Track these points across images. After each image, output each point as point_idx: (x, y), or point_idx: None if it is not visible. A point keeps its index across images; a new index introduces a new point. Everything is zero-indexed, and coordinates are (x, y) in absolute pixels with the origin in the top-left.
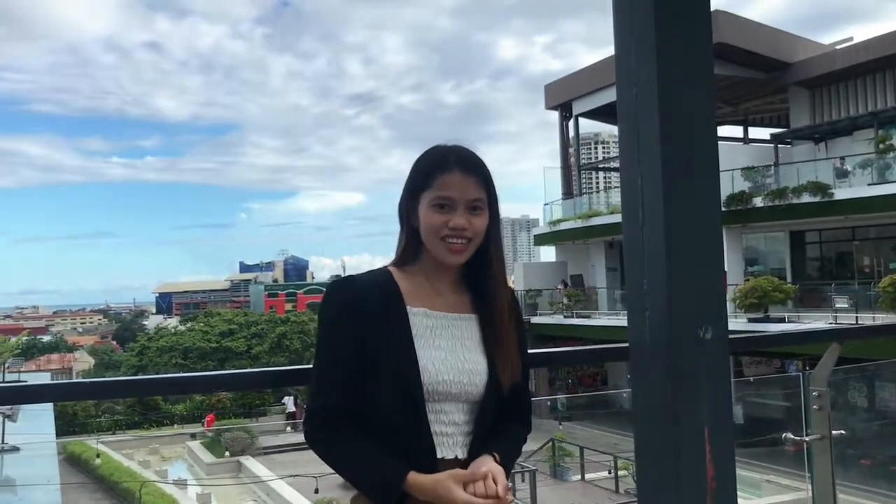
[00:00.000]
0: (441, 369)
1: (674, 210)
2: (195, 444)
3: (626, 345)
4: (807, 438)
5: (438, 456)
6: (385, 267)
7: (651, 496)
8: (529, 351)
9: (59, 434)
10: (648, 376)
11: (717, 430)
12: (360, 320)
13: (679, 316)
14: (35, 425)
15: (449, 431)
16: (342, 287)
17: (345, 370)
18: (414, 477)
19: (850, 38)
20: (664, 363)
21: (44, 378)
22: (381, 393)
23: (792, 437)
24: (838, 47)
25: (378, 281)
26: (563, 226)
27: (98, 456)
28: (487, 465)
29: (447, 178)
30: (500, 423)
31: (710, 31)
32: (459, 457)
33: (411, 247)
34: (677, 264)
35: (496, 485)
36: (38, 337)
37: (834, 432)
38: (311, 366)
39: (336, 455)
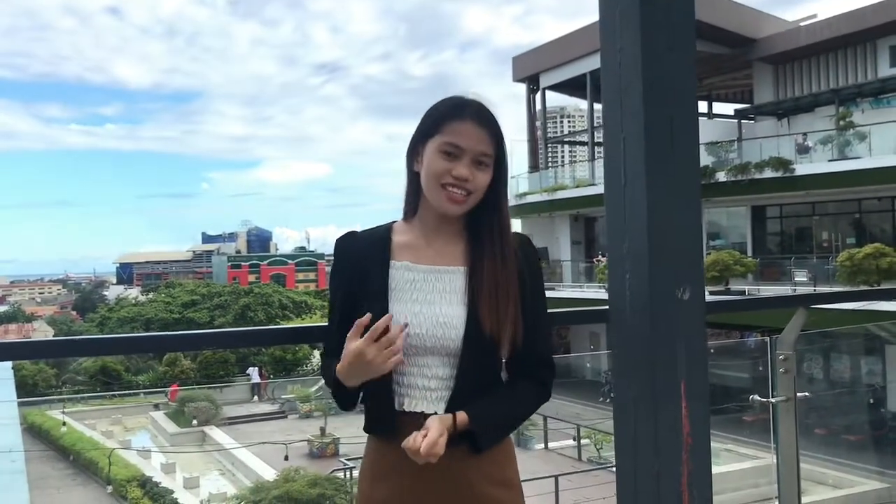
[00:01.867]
0: (414, 322)
1: (655, 175)
2: (159, 415)
3: (605, 308)
4: (773, 400)
5: (410, 409)
6: (392, 222)
7: (628, 452)
8: None
9: (19, 405)
10: (628, 335)
11: (692, 385)
12: (348, 275)
13: (658, 277)
14: None
15: (432, 385)
16: (339, 242)
17: (340, 314)
18: (338, 367)
19: (815, 15)
20: (644, 322)
21: None
22: None
23: (759, 398)
24: (802, 24)
25: (374, 235)
26: (529, 199)
27: (64, 425)
28: (433, 421)
29: (460, 125)
30: (500, 382)
31: (692, 2)
32: (438, 411)
33: (412, 196)
34: (657, 227)
35: (424, 440)
36: None
37: (798, 394)
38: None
39: (322, 373)
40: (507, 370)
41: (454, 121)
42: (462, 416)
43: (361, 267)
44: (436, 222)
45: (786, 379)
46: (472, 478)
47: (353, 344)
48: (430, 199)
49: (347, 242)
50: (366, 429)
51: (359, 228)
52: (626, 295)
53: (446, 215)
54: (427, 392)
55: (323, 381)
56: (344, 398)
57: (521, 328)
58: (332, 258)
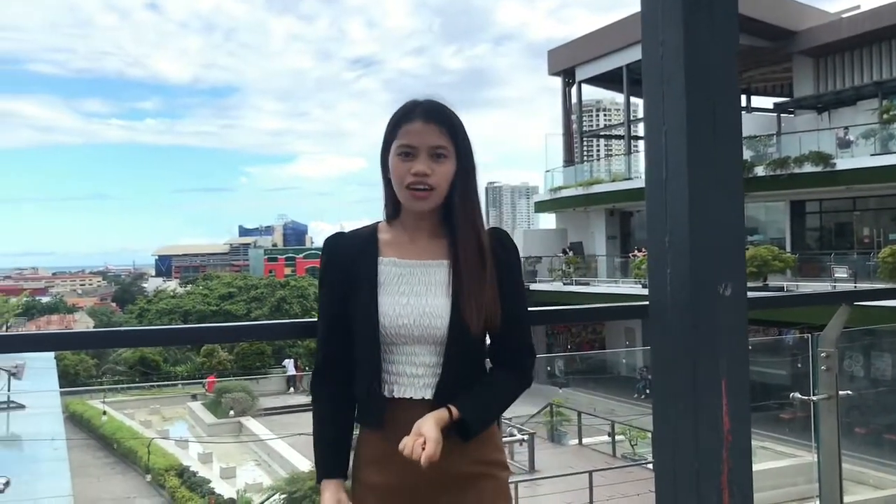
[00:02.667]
0: (401, 314)
1: (697, 168)
2: (196, 405)
3: (644, 303)
4: (814, 398)
5: (400, 395)
6: (377, 222)
7: (668, 448)
8: (547, 308)
9: (61, 394)
10: (669, 331)
11: (733, 383)
12: (338, 274)
13: (700, 273)
14: (40, 384)
15: (419, 373)
16: (327, 243)
17: (327, 323)
18: (325, 484)
19: (857, 7)
20: (684, 319)
21: None
22: (355, 339)
23: (800, 396)
24: (844, 16)
25: (361, 235)
26: (564, 193)
27: (104, 414)
28: (428, 425)
29: (410, 126)
30: (484, 371)
31: None
32: (426, 397)
33: (390, 201)
34: (699, 222)
35: (423, 448)
36: (38, 298)
37: (841, 393)
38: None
39: (314, 398)
40: (490, 357)
41: (405, 123)
42: (454, 410)
43: (351, 263)
44: (415, 221)
45: (827, 377)
46: (461, 461)
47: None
48: (401, 199)
49: (337, 241)
50: (357, 418)
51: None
52: (666, 290)
53: (419, 213)
54: (415, 379)
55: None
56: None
57: (498, 316)
58: (322, 258)
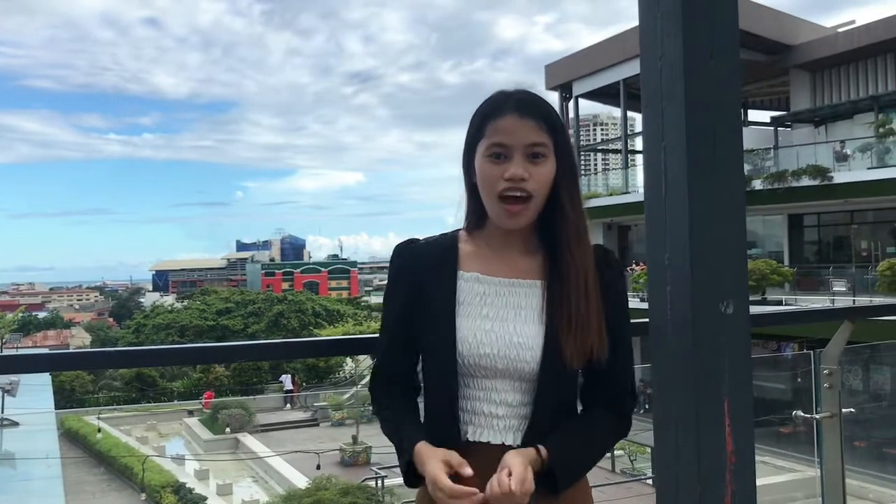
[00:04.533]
0: (484, 341)
1: (697, 185)
2: (193, 421)
3: (645, 320)
4: (817, 416)
5: (475, 439)
6: (458, 230)
7: (669, 470)
8: None
9: (56, 410)
10: (669, 350)
11: (736, 403)
12: (410, 286)
13: (701, 291)
14: (34, 401)
15: (500, 413)
16: (399, 251)
17: (390, 334)
18: (420, 448)
19: (853, 21)
20: (685, 337)
21: None
22: (426, 364)
23: (802, 414)
24: (840, 30)
25: (439, 244)
26: None
27: (99, 431)
28: (513, 457)
29: (501, 122)
30: (577, 411)
31: (736, 7)
32: (508, 442)
33: (473, 207)
34: (700, 239)
35: (509, 479)
36: (34, 313)
37: (844, 410)
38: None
39: (378, 414)
40: (582, 397)
41: (494, 119)
42: (543, 451)
43: (424, 277)
44: (504, 233)
45: (830, 394)
46: None
47: (436, 471)
48: (490, 212)
49: (408, 250)
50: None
51: (392, 236)
52: (666, 309)
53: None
54: (494, 420)
55: (356, 390)
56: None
57: (604, 351)
58: (391, 267)
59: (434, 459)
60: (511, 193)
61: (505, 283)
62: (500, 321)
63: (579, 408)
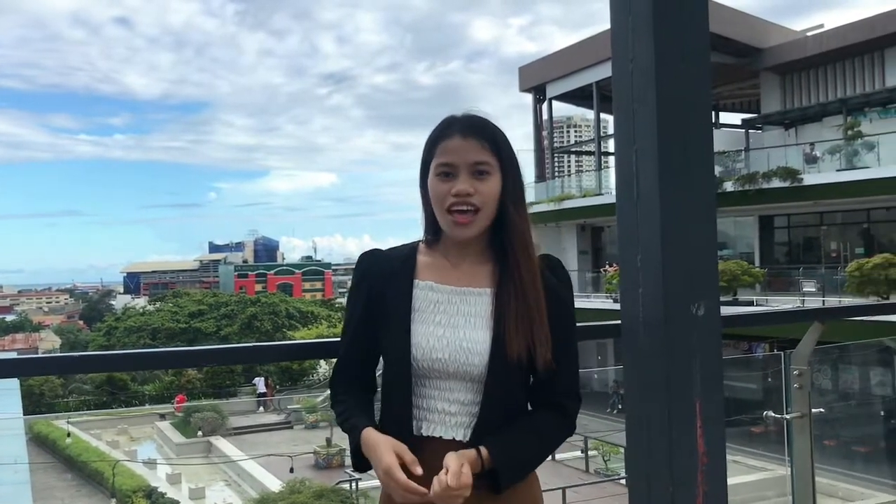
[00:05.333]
0: (436, 346)
1: (669, 187)
2: (164, 425)
3: (617, 322)
4: (787, 416)
5: (428, 434)
6: (418, 241)
7: (642, 471)
8: None
9: (25, 414)
10: (642, 352)
11: (708, 404)
12: (369, 293)
13: (673, 292)
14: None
15: (453, 410)
16: (361, 259)
17: (351, 337)
18: (368, 432)
19: (822, 25)
20: (658, 339)
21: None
22: (384, 364)
23: (773, 415)
24: (809, 34)
25: (399, 254)
26: (536, 208)
27: (69, 435)
28: (451, 457)
29: (448, 143)
30: (525, 412)
31: (706, 10)
32: (458, 438)
33: (430, 222)
34: (671, 241)
35: (446, 476)
36: (2, 316)
37: (814, 410)
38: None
39: (333, 407)
40: (530, 399)
41: (442, 140)
42: (484, 451)
43: (384, 285)
44: (458, 245)
45: (800, 395)
46: None
47: (386, 458)
48: (442, 225)
49: (371, 259)
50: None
51: (366, 238)
52: (639, 310)
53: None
54: (447, 417)
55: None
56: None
57: (549, 354)
58: (354, 275)
59: (385, 447)
60: (458, 208)
61: (456, 292)
62: (451, 327)
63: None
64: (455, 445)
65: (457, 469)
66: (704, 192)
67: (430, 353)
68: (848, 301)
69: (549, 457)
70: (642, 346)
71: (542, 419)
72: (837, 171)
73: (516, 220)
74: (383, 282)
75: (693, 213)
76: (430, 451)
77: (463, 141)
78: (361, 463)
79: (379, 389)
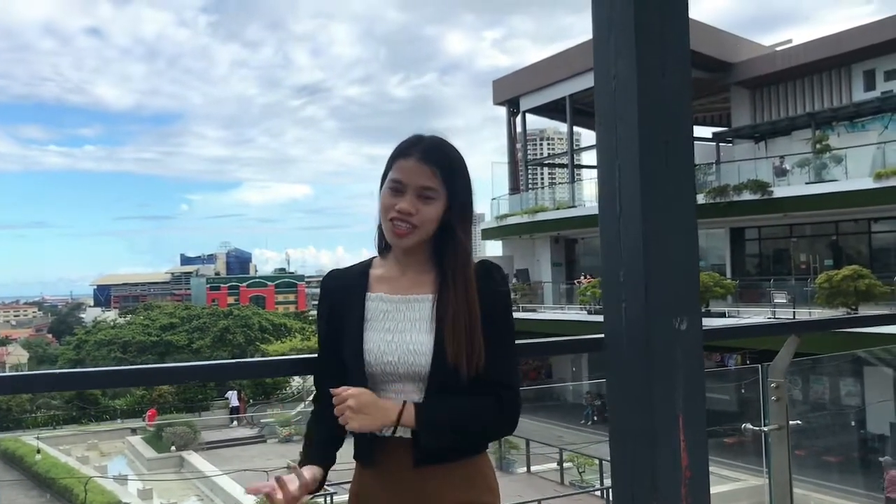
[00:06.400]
0: (386, 351)
1: (651, 202)
2: (136, 439)
3: (600, 336)
4: (765, 429)
5: (387, 434)
6: (373, 257)
7: (626, 485)
8: None
9: None
10: (624, 366)
11: (690, 418)
12: (330, 308)
13: (656, 307)
14: None
15: None
16: (323, 280)
17: (320, 353)
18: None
19: (790, 41)
20: (640, 353)
21: None
22: (347, 375)
23: (751, 427)
24: (778, 49)
25: (354, 271)
26: (510, 220)
27: (38, 452)
28: (363, 392)
29: (405, 162)
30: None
31: (687, 26)
32: (407, 436)
33: (383, 233)
34: (654, 256)
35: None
36: None
37: (791, 422)
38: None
39: (302, 448)
40: (468, 391)
41: (400, 158)
42: (409, 406)
43: (341, 299)
44: (404, 254)
45: (777, 407)
46: (448, 499)
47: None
48: (384, 232)
49: (330, 277)
50: (354, 455)
51: (340, 250)
52: (622, 325)
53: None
54: None
55: (303, 407)
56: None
57: (482, 354)
58: (319, 295)
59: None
60: (397, 224)
61: (403, 300)
62: (399, 332)
63: None
64: (405, 442)
65: (358, 401)
66: (685, 207)
67: (381, 356)
68: (818, 312)
69: (525, 468)
70: (625, 360)
71: (473, 399)
72: (806, 183)
73: (459, 234)
74: (340, 297)
75: (675, 227)
76: (389, 448)
77: (417, 164)
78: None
79: None
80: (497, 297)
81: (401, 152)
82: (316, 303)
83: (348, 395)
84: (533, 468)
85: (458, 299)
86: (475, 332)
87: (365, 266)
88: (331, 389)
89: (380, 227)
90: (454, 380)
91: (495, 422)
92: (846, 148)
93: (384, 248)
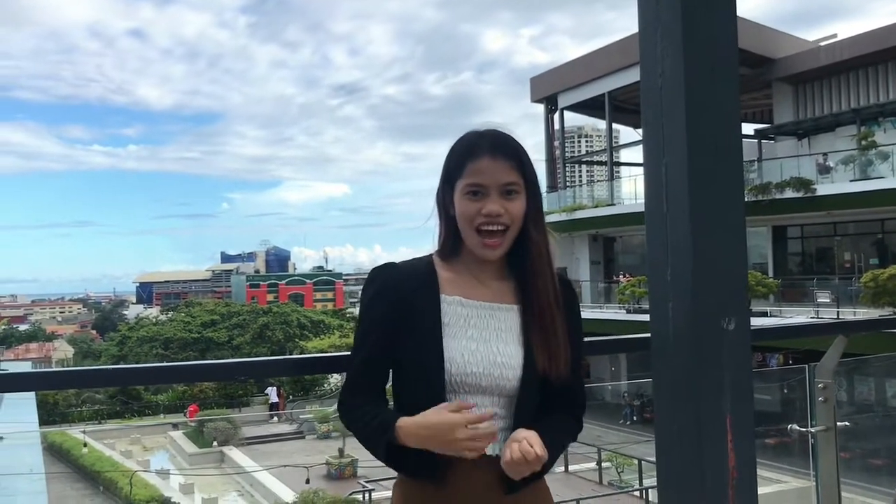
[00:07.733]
0: (470, 361)
1: (699, 200)
2: (177, 434)
3: (645, 335)
4: (812, 430)
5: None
6: (430, 255)
7: (673, 486)
8: None
9: (40, 424)
10: (671, 366)
11: (738, 419)
12: (392, 307)
13: (703, 307)
14: (17, 414)
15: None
16: (380, 272)
17: (366, 353)
18: (403, 420)
19: (835, 35)
20: (687, 353)
21: (25, 367)
22: (408, 383)
23: (798, 428)
24: (822, 44)
25: (418, 268)
26: (548, 219)
27: (85, 445)
28: (527, 430)
29: (477, 164)
30: (544, 416)
31: (735, 23)
32: (489, 453)
33: (450, 237)
34: (702, 255)
35: (532, 447)
36: (16, 326)
37: (839, 424)
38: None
39: (351, 424)
40: (543, 405)
41: (470, 160)
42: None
43: (407, 298)
44: (479, 261)
45: (825, 408)
46: None
47: (447, 416)
48: (469, 244)
49: (390, 272)
50: (409, 472)
51: (377, 248)
52: (669, 325)
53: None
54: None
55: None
56: (397, 457)
57: (565, 369)
58: (364, 290)
59: (433, 414)
60: (487, 227)
61: (486, 307)
62: (484, 342)
63: None
64: (488, 461)
65: (541, 442)
66: (734, 206)
67: (465, 367)
68: (863, 312)
69: (563, 467)
70: (673, 361)
71: (564, 420)
72: (851, 181)
73: (536, 238)
74: (406, 296)
75: (723, 227)
76: (459, 468)
77: (492, 161)
78: (400, 460)
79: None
80: (576, 309)
81: (468, 153)
82: (354, 300)
83: (489, 416)
84: (571, 468)
85: (548, 310)
86: (562, 346)
87: (427, 264)
88: (480, 411)
89: (447, 228)
90: (535, 397)
91: (574, 438)
92: (893, 144)
93: (449, 251)
